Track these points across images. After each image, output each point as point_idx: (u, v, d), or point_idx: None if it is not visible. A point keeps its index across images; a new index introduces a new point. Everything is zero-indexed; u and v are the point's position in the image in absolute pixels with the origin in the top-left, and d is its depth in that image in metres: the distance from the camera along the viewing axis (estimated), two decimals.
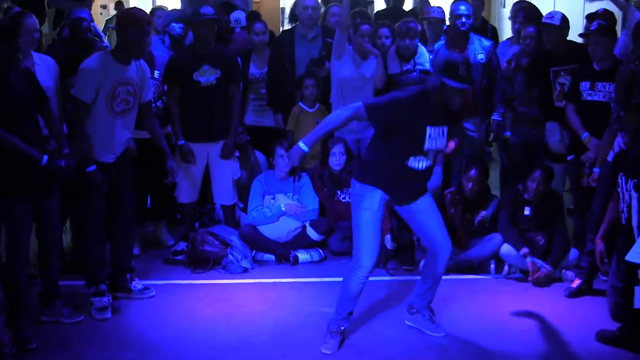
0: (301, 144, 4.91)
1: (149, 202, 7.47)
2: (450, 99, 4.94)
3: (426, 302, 5.45)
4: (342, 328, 5.28)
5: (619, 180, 5.39)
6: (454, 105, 4.97)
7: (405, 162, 4.97)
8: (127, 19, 5.78)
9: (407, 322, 5.55)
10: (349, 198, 7.03)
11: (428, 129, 4.91)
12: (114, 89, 5.63)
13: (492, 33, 9.07)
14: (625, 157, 5.40)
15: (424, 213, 5.24)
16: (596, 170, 6.19)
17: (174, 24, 7.55)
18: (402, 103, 4.91)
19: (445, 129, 5.02)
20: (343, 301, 5.27)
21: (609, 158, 5.97)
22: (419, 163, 5.00)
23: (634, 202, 5.06)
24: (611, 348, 5.29)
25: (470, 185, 6.72)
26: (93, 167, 5.60)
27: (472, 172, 6.74)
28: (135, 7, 6.19)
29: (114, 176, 5.84)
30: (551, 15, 6.96)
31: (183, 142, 6.77)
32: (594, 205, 6.18)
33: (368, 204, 5.05)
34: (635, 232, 5.07)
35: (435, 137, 4.95)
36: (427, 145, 4.94)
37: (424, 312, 5.45)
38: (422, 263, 5.83)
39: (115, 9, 14.21)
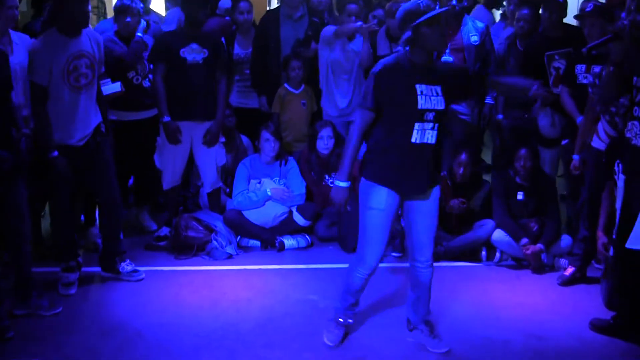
0: (339, 183, 4.70)
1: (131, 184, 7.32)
2: (429, 41, 4.47)
3: (421, 316, 5.06)
4: (349, 321, 5.11)
5: (616, 168, 5.27)
6: (438, 46, 4.58)
7: (407, 138, 4.53)
8: None
9: (407, 338, 5.13)
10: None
11: (417, 87, 4.50)
12: (68, 64, 5.50)
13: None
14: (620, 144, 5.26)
15: (420, 214, 4.83)
16: (575, 157, 6.09)
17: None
18: (381, 72, 4.55)
19: (439, 89, 4.55)
20: (345, 293, 5.06)
21: (595, 144, 5.85)
22: (422, 133, 4.53)
23: (619, 184, 4.93)
24: (605, 337, 5.19)
25: (461, 170, 6.61)
26: (55, 153, 5.47)
27: (463, 156, 6.64)
28: None
29: (86, 160, 5.72)
30: None
31: (168, 118, 6.57)
32: (584, 192, 6.10)
33: (374, 202, 4.70)
34: (617, 212, 4.95)
35: (428, 95, 4.51)
36: (421, 104, 4.48)
37: (421, 327, 5.06)
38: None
39: None
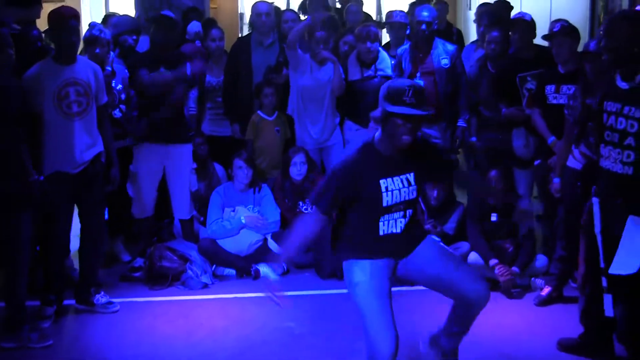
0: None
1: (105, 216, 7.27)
2: (395, 132, 4.07)
3: (452, 346, 4.69)
4: None
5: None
6: (401, 141, 4.08)
7: (377, 231, 4.24)
8: (53, 18, 5.74)
9: (421, 348, 4.84)
10: (311, 209, 6.96)
11: (381, 182, 4.15)
12: (59, 90, 5.58)
13: (457, 37, 9.08)
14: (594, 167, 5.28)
15: (430, 264, 4.35)
16: (555, 180, 6.12)
17: (127, 37, 7.34)
18: (342, 169, 4.16)
19: (411, 176, 4.22)
20: None
21: (570, 164, 5.88)
22: (391, 226, 4.24)
23: (595, 208, 4.94)
24: (576, 356, 5.21)
25: (435, 193, 6.62)
26: (35, 177, 5.44)
27: (435, 192, 6.70)
28: (62, 6, 6.13)
29: (80, 189, 5.76)
30: (521, 14, 7.01)
31: None
32: (560, 212, 6.12)
33: (358, 276, 4.23)
34: (599, 238, 4.94)
35: (394, 189, 4.17)
36: (386, 201, 4.16)
37: (449, 355, 4.72)
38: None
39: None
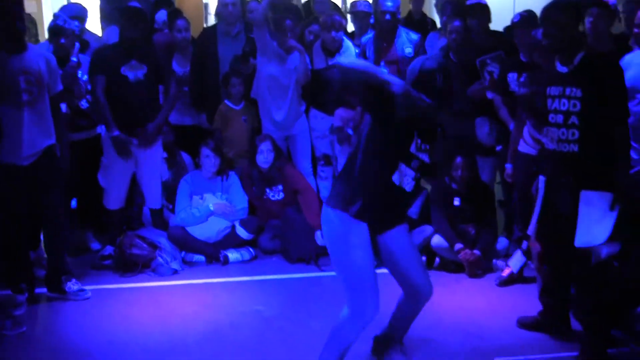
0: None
1: (74, 206, 7.32)
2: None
3: (399, 336, 4.82)
4: None
5: None
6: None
7: (390, 174, 4.28)
8: None
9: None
10: (278, 196, 7.08)
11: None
12: (10, 79, 5.58)
13: (432, 26, 9.12)
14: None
15: (399, 248, 4.47)
16: (508, 166, 6.29)
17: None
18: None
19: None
20: (330, 349, 4.46)
21: (522, 149, 6.11)
22: (402, 179, 4.33)
23: (540, 185, 5.12)
24: (535, 333, 5.37)
25: None
26: None
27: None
28: None
29: (30, 180, 5.78)
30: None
31: (117, 132, 6.63)
32: (516, 196, 6.36)
33: (355, 238, 4.26)
34: (536, 210, 5.13)
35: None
36: (413, 147, 4.30)
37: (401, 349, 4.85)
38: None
39: None
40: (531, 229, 5.25)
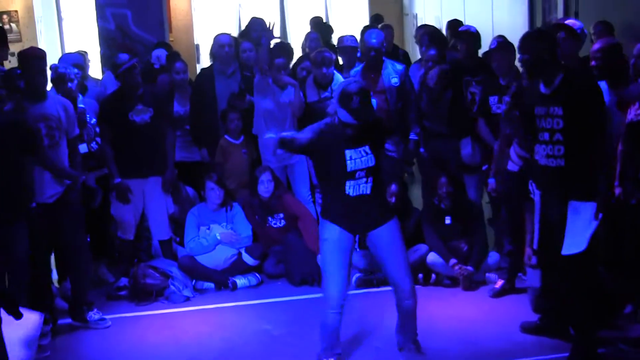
0: (269, 135, 5.09)
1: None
2: (343, 128, 5.05)
3: (408, 337, 5.44)
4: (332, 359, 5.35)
5: (530, 188, 5.72)
6: (347, 133, 5.06)
7: (343, 191, 5.09)
8: (21, 59, 6.12)
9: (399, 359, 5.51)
10: (279, 223, 7.41)
11: (347, 152, 5.05)
12: (33, 125, 5.87)
13: (404, 57, 9.45)
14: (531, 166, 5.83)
15: (384, 245, 5.26)
16: (490, 180, 6.61)
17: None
18: (323, 132, 5.12)
19: (367, 147, 5.11)
20: (322, 335, 5.32)
21: (510, 168, 6.34)
22: (355, 188, 5.10)
23: (536, 198, 5.45)
24: (533, 337, 5.69)
25: (393, 199, 7.03)
26: (33, 204, 5.91)
27: (393, 187, 7.07)
28: (29, 47, 6.48)
29: (58, 216, 6.11)
30: (468, 27, 7.64)
31: (119, 180, 6.98)
32: (504, 212, 6.64)
33: (327, 234, 5.18)
34: (536, 225, 5.45)
35: (357, 158, 5.07)
36: (351, 166, 5.05)
37: (409, 346, 5.43)
38: None
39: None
40: (535, 243, 5.55)
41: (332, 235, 5.16)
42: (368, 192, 5.14)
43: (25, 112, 5.96)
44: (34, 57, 6.12)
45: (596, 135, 5.04)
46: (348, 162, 5.05)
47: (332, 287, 5.17)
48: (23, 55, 6.16)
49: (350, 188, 5.09)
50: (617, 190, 5.47)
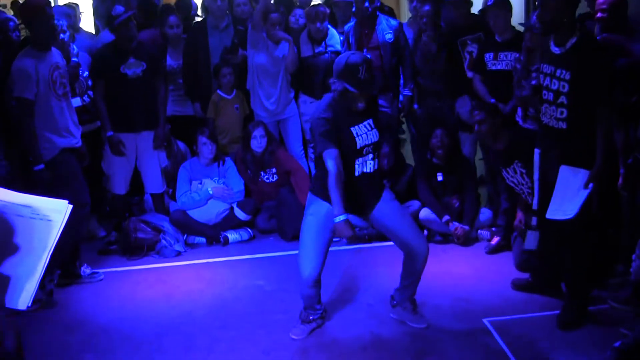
0: (337, 218, 4.62)
1: None
2: (353, 103, 4.79)
3: (406, 295, 5.36)
4: (311, 317, 5.30)
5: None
6: (357, 107, 4.81)
7: (351, 173, 4.88)
8: (30, 8, 5.95)
9: (390, 315, 5.47)
10: (272, 178, 7.40)
11: (352, 130, 4.83)
12: (51, 75, 5.87)
13: (389, 13, 9.33)
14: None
15: (389, 218, 5.08)
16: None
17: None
18: (324, 119, 4.78)
19: (371, 121, 4.92)
20: (303, 294, 5.23)
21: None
22: (362, 166, 4.92)
23: (536, 157, 5.37)
24: (525, 294, 5.72)
25: (385, 161, 7.05)
26: (41, 166, 5.85)
27: (385, 148, 7.08)
28: None
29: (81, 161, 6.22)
30: None
31: (112, 133, 6.95)
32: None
33: (313, 210, 4.97)
34: (536, 184, 5.41)
35: (363, 134, 4.87)
36: (359, 143, 4.85)
37: (405, 304, 5.38)
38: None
39: (11, 8, 13.97)
40: (535, 204, 5.49)
41: (319, 211, 4.93)
42: (371, 169, 4.98)
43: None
44: (44, 3, 5.97)
45: (600, 107, 4.91)
46: (357, 139, 4.85)
47: (307, 265, 5.01)
48: (31, 3, 5.99)
49: (358, 166, 4.91)
50: None
